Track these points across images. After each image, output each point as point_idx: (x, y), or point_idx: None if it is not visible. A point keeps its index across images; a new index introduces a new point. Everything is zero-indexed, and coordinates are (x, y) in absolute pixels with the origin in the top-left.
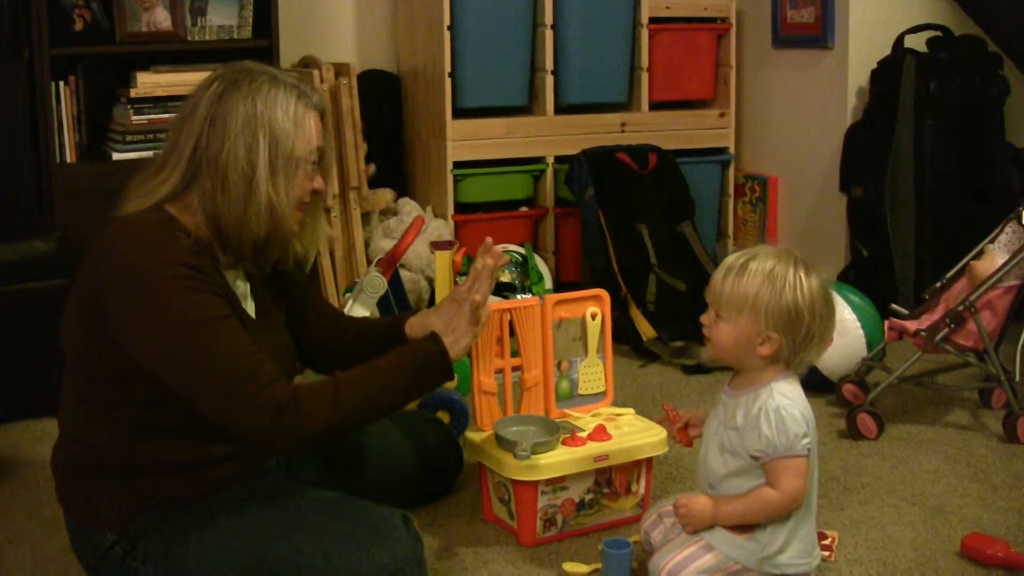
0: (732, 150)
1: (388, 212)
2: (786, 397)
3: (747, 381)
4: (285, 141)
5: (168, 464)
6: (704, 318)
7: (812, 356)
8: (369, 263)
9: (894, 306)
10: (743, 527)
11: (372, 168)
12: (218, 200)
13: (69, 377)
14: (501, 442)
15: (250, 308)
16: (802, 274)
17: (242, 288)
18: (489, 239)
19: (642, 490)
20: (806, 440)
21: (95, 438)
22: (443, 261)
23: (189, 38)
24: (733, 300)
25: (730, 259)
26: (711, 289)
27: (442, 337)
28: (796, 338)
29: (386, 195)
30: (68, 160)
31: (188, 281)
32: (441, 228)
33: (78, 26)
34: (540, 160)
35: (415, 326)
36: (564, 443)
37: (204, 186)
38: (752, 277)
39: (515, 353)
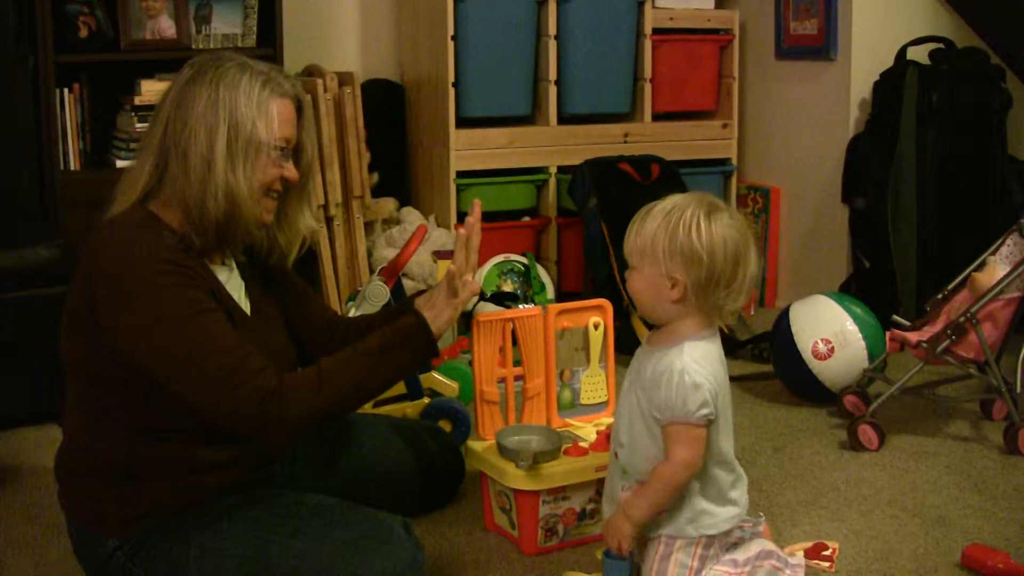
0: (734, 161)
1: (391, 221)
2: (695, 362)
3: (663, 336)
4: (245, 125)
5: (168, 468)
6: (627, 273)
7: (725, 302)
8: (372, 272)
9: (896, 317)
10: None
11: (375, 177)
12: (181, 183)
13: (69, 382)
14: (503, 451)
15: (245, 306)
16: (700, 215)
17: (237, 286)
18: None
19: None
20: (705, 411)
21: (96, 442)
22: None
23: (193, 46)
24: (637, 246)
25: (641, 209)
26: (624, 242)
27: (422, 312)
28: (699, 279)
29: (389, 204)
30: (72, 167)
31: (172, 277)
32: (444, 237)
33: (83, 33)
34: (543, 170)
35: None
36: (566, 453)
37: (172, 171)
38: (652, 220)
39: (517, 362)
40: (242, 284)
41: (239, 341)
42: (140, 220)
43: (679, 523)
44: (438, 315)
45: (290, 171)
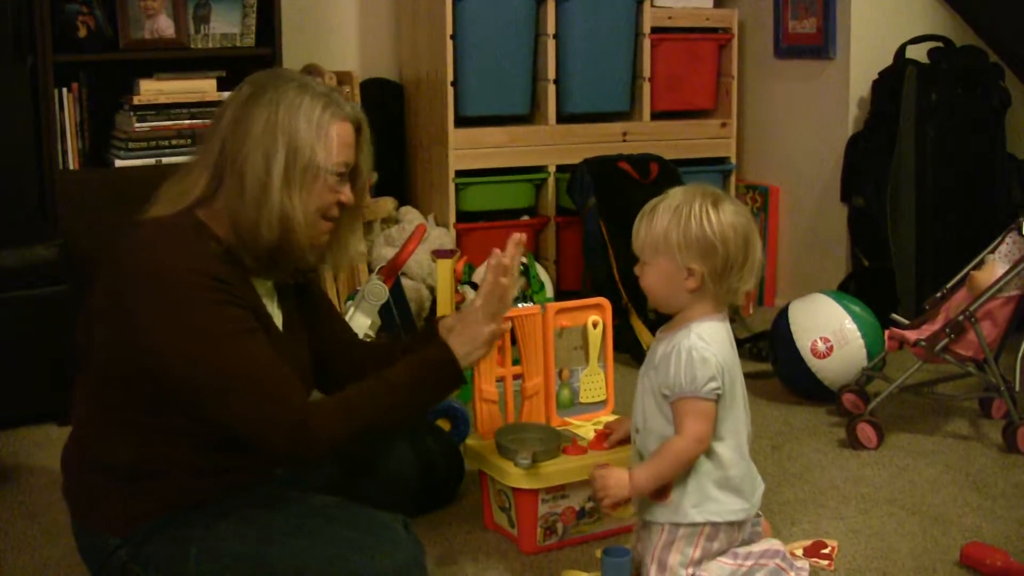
0: (733, 160)
1: (390, 220)
2: (702, 340)
3: (675, 323)
4: (304, 149)
5: (175, 469)
6: (636, 269)
7: (739, 283)
8: (371, 271)
9: (895, 316)
10: (661, 492)
11: (374, 176)
12: (235, 204)
13: (85, 376)
14: (502, 450)
15: (278, 320)
16: (708, 205)
17: (269, 299)
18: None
19: None
20: (713, 384)
21: (106, 438)
22: (445, 269)
23: (192, 45)
24: (649, 242)
25: (645, 206)
26: (633, 240)
27: (452, 344)
28: (715, 267)
29: (388, 203)
30: (71, 167)
31: (216, 293)
32: (443, 237)
33: (81, 33)
34: (542, 169)
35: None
36: (565, 451)
37: (227, 188)
38: (661, 216)
39: (516, 361)
40: (275, 297)
41: (276, 364)
42: (187, 227)
43: (684, 507)
44: (468, 354)
45: (346, 195)
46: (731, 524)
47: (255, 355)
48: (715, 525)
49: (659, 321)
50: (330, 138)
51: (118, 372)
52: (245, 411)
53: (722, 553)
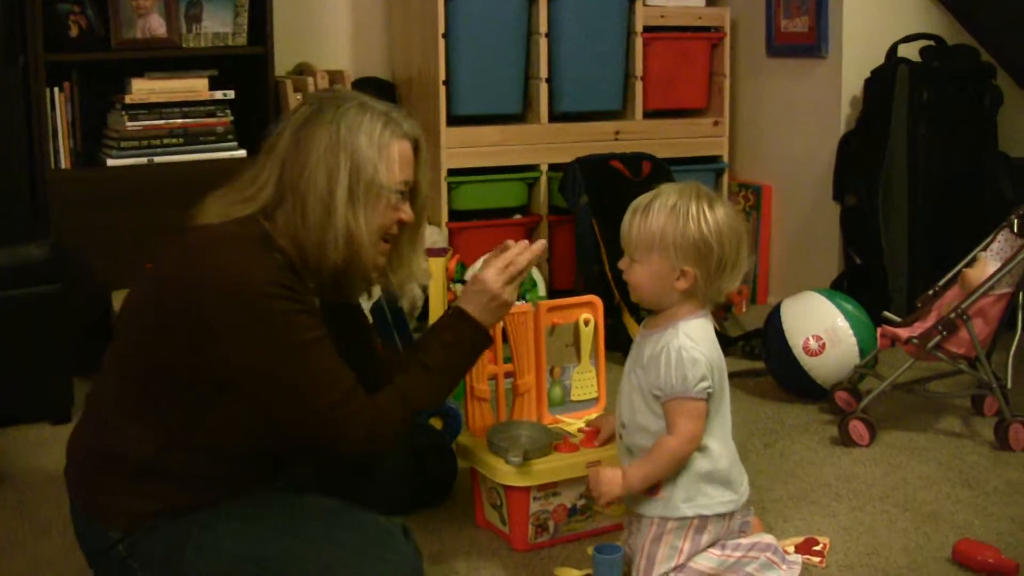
0: (726, 158)
1: None
2: (690, 339)
3: (661, 319)
4: (367, 168)
5: (190, 473)
6: (621, 263)
7: (727, 283)
8: None
9: (887, 314)
10: (652, 488)
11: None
12: (298, 224)
13: (118, 370)
14: (493, 448)
15: None
16: (705, 206)
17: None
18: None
19: None
20: (704, 384)
21: (128, 435)
22: (437, 268)
23: (184, 44)
24: (642, 240)
25: (636, 201)
26: (622, 234)
27: (478, 316)
28: (709, 269)
29: None
30: (63, 166)
31: (290, 303)
32: (435, 235)
33: (73, 32)
34: (534, 168)
35: None
36: (556, 449)
37: (288, 209)
38: (657, 215)
39: (508, 359)
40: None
41: (344, 366)
42: (256, 236)
43: (675, 502)
44: (493, 324)
45: (407, 213)
46: (720, 516)
47: (330, 359)
48: (704, 517)
49: None
50: (391, 156)
51: (167, 375)
52: (325, 413)
53: (711, 545)
